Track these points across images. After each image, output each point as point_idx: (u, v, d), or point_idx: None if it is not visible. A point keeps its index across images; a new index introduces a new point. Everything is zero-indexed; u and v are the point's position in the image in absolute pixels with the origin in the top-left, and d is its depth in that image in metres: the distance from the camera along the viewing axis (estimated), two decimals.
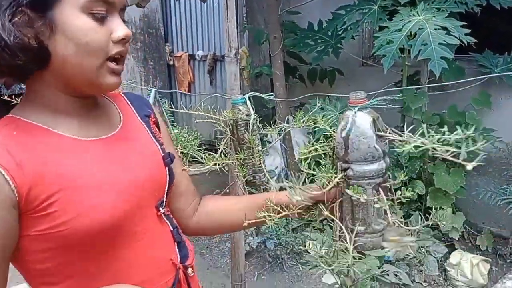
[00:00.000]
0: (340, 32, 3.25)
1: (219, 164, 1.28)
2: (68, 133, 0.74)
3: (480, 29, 2.66)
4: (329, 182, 0.89)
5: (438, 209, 3.06)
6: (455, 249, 3.02)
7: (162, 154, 0.88)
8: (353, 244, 0.90)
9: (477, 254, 2.97)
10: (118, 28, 0.73)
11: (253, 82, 4.33)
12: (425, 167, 3.12)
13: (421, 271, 2.85)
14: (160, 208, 0.85)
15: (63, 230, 0.68)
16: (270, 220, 0.92)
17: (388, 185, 0.92)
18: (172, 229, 0.88)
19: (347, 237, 0.89)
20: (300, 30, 3.62)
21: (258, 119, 1.30)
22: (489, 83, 2.90)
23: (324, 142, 1.03)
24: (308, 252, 2.97)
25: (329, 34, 3.38)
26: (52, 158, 0.70)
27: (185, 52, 5.37)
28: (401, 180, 0.97)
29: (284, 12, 3.80)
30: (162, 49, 5.53)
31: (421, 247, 2.81)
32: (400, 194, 0.96)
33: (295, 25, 3.77)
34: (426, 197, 3.10)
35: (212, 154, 1.27)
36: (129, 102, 0.91)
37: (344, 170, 0.87)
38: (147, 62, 5.49)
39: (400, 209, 0.93)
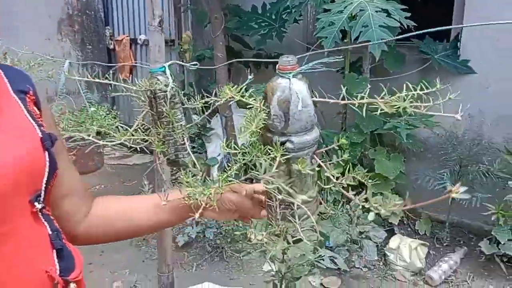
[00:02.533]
0: (284, 15, 3.17)
1: (134, 141, 1.15)
2: None
3: (420, 17, 2.67)
4: (272, 161, 0.80)
5: (379, 194, 3.07)
6: (395, 233, 3.05)
7: (41, 136, 0.70)
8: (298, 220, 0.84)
9: (415, 238, 3.01)
10: None
11: (198, 69, 4.17)
12: (366, 153, 3.12)
13: (361, 256, 2.85)
14: (36, 203, 0.67)
15: None
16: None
17: (321, 150, 0.88)
18: (50, 233, 0.69)
19: (291, 212, 0.84)
20: (244, 13, 3.50)
21: (180, 91, 1.18)
22: (429, 69, 2.93)
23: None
24: (248, 240, 2.89)
25: (273, 17, 3.29)
26: None
27: (127, 36, 5.11)
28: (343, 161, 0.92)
29: None
30: (102, 32, 5.23)
31: (361, 232, 2.81)
32: (338, 158, 0.91)
33: (239, 8, 3.65)
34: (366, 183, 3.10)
35: (127, 129, 1.13)
36: (2, 73, 0.73)
37: (282, 143, 0.79)
38: (85, 45, 5.18)
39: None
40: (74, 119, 1.35)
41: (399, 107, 0.75)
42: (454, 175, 2.81)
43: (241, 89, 0.97)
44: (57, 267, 0.68)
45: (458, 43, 2.99)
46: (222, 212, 0.88)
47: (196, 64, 1.18)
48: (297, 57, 0.83)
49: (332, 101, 0.82)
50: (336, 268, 2.51)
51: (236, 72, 3.91)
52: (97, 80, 1.20)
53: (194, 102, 1.16)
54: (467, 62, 2.91)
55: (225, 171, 0.84)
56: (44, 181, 0.69)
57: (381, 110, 0.77)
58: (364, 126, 3.00)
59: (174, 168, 1.24)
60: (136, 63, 4.98)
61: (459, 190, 0.72)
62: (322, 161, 0.84)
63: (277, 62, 0.82)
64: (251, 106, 0.94)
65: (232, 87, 1.02)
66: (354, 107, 0.84)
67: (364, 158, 3.17)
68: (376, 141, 3.15)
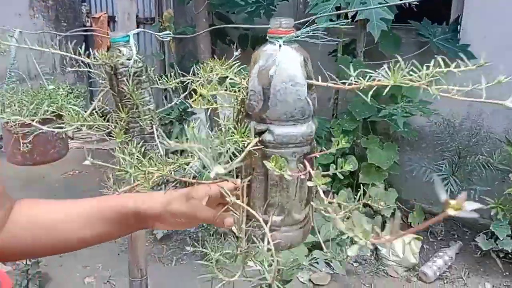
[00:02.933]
0: None
1: (91, 127, 0.93)
2: None
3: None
4: (239, 153, 0.58)
5: (370, 185, 2.90)
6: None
7: None
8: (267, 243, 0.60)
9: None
10: None
11: (178, 47, 3.91)
12: (358, 141, 2.94)
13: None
14: None
15: None
16: None
17: (316, 156, 0.66)
18: None
19: (261, 233, 0.62)
20: None
21: (150, 67, 0.96)
22: (427, 53, 2.75)
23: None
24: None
25: None
26: None
27: (104, 13, 4.80)
28: (331, 153, 0.70)
29: None
30: (78, 8, 4.92)
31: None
32: (336, 168, 0.68)
33: None
34: (358, 173, 2.93)
35: (79, 112, 0.91)
36: None
37: (260, 133, 0.60)
38: (60, 22, 4.86)
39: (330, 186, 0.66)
40: (28, 99, 1.12)
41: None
42: (451, 167, 2.64)
43: (223, 64, 0.76)
44: None
45: (458, 26, 2.81)
46: (173, 224, 0.68)
47: (169, 34, 0.96)
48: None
49: (333, 85, 0.61)
50: (328, 272, 2.35)
51: (221, 53, 3.67)
52: (51, 50, 0.97)
53: (167, 79, 0.94)
54: (467, 46, 2.73)
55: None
56: None
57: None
58: (357, 113, 2.82)
59: None
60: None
61: (463, 204, 0.49)
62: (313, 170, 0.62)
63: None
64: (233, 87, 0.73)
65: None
66: (359, 92, 0.63)
67: (356, 147, 2.99)
68: (369, 129, 2.97)
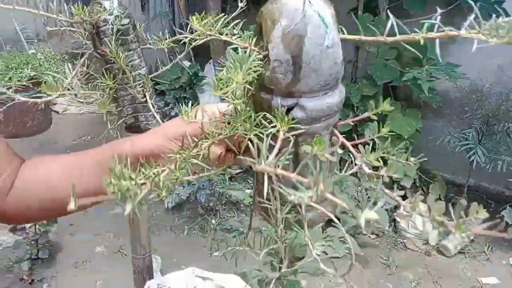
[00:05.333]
0: None
1: (75, 96, 0.81)
2: None
3: None
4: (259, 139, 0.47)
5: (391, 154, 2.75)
6: (406, 198, 2.76)
7: None
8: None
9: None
10: None
11: (188, 7, 3.72)
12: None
13: (368, 221, 2.58)
14: None
15: None
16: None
17: (341, 123, 0.58)
18: None
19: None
20: None
21: (137, 25, 0.82)
22: (456, 12, 2.52)
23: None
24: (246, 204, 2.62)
25: None
26: None
27: None
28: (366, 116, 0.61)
29: None
30: None
31: (369, 197, 2.52)
32: (373, 134, 0.60)
33: None
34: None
35: (59, 79, 0.79)
36: None
37: (289, 110, 0.48)
38: None
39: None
40: (3, 63, 0.99)
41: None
42: (478, 135, 2.46)
43: (218, 20, 0.61)
44: None
45: None
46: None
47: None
48: None
49: (371, 38, 0.47)
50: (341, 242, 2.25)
51: (232, 12, 3.48)
52: (23, 8, 0.83)
53: (159, 37, 0.81)
54: (501, 3, 2.49)
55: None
56: None
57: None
58: (378, 77, 2.64)
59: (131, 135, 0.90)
60: None
61: None
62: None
63: None
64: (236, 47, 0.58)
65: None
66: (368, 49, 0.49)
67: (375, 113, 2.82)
68: (390, 94, 2.79)
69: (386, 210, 2.62)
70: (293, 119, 0.46)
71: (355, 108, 2.83)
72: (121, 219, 2.69)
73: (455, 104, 2.76)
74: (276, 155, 0.49)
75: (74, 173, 0.61)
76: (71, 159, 0.64)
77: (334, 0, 0.54)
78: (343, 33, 0.50)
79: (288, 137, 0.46)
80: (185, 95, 3.25)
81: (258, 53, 0.48)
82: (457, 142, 2.50)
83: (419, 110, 2.75)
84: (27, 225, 2.34)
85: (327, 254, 2.44)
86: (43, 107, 1.20)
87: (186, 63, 2.66)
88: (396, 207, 2.65)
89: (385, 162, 0.58)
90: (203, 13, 0.57)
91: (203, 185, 2.68)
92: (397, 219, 2.62)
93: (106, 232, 2.65)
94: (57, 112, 3.64)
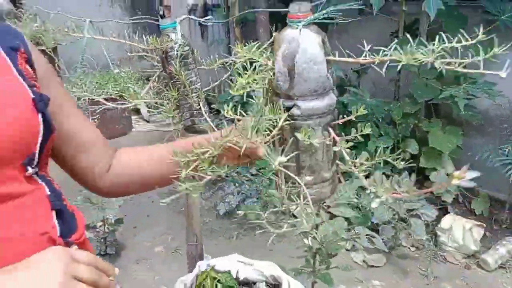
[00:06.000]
0: None
1: (148, 105, 1.07)
2: None
3: None
4: (272, 128, 0.68)
5: (432, 170, 2.85)
6: (448, 212, 2.83)
7: (33, 97, 0.65)
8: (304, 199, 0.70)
9: (471, 218, 2.78)
10: None
11: (242, 31, 4.04)
12: (420, 124, 2.89)
13: (409, 234, 2.68)
14: (29, 167, 0.64)
15: None
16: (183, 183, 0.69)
17: (338, 123, 0.74)
18: (49, 193, 0.67)
19: (298, 191, 0.71)
20: None
21: (195, 50, 1.08)
22: (494, 33, 2.62)
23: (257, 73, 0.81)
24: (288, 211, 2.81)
25: None
26: None
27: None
28: (355, 116, 0.75)
29: None
30: None
31: (410, 210, 2.63)
32: (356, 132, 0.74)
33: None
34: (419, 157, 2.89)
35: (137, 91, 1.06)
36: None
37: (288, 108, 0.68)
38: (135, 11, 5.21)
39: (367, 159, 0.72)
40: (97, 81, 1.29)
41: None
42: None
43: (254, 47, 0.85)
44: (58, 228, 0.66)
45: None
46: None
47: (210, 19, 1.07)
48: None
49: (351, 60, 0.68)
50: (371, 247, 2.37)
51: None
52: (115, 39, 1.12)
53: (211, 60, 1.06)
54: None
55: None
56: (39, 145, 0.65)
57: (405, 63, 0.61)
58: (419, 95, 2.77)
59: (189, 135, 1.16)
60: None
61: (464, 175, 0.58)
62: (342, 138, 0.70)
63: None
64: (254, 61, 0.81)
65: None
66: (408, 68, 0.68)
67: (417, 130, 2.94)
68: (431, 112, 2.90)
69: (426, 224, 2.71)
70: (292, 115, 0.68)
71: (397, 125, 2.97)
72: (178, 225, 2.98)
73: (495, 122, 2.82)
74: (282, 144, 0.70)
75: (155, 160, 0.82)
76: (154, 149, 0.85)
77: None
78: (333, 56, 0.70)
79: (287, 126, 0.67)
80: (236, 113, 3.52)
81: (271, 67, 0.70)
82: (496, 158, 2.57)
83: (460, 127, 2.84)
84: (98, 224, 2.68)
85: (367, 263, 2.57)
86: (127, 114, 1.49)
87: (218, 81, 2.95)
88: (437, 221, 2.73)
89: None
90: (256, 40, 0.79)
91: (250, 194, 2.91)
92: (438, 232, 2.69)
93: (164, 235, 2.94)
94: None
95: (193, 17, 1.08)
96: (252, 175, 3.12)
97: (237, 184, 3.05)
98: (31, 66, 0.70)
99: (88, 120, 0.83)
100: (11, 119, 0.61)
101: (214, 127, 1.10)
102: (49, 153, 0.71)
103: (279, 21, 3.59)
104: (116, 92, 1.09)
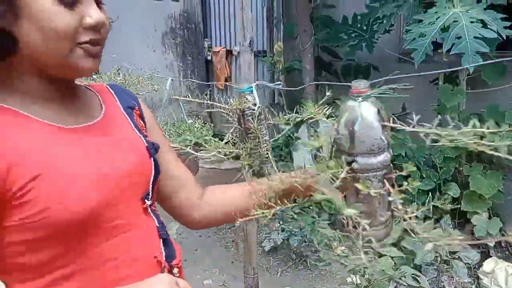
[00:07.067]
0: (374, 26, 3.16)
1: (226, 154, 1.28)
2: (45, 119, 0.71)
3: None
4: (336, 178, 0.86)
5: (473, 213, 2.91)
6: (490, 256, 2.86)
7: (146, 145, 0.83)
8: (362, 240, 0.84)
9: None
10: (90, 14, 0.69)
11: (286, 77, 4.30)
12: (461, 168, 2.98)
13: (451, 277, 2.72)
14: (146, 201, 0.80)
15: (39, 219, 0.66)
16: (264, 215, 0.88)
17: (393, 176, 0.87)
18: (158, 225, 0.82)
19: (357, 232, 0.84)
20: (334, 24, 3.54)
21: (265, 109, 1.28)
22: None
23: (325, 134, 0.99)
24: (329, 248, 2.91)
25: (364, 28, 3.29)
26: (28, 144, 0.67)
27: (223, 47, 5.40)
28: (409, 171, 0.91)
29: (318, 5, 3.73)
30: (201, 44, 5.60)
31: (452, 252, 2.68)
32: (407, 184, 0.90)
33: (329, 19, 3.69)
34: (460, 201, 2.96)
35: (218, 142, 1.27)
36: (113, 93, 0.88)
37: (349, 163, 0.83)
38: (186, 57, 5.57)
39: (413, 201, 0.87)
40: (174, 130, 1.53)
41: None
42: None
43: (322, 105, 1.04)
44: (163, 254, 0.81)
45: None
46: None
47: (280, 84, 1.28)
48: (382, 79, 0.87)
49: (402, 127, 0.85)
50: (416, 286, 2.43)
51: (325, 81, 3.95)
52: (197, 100, 1.35)
53: (279, 117, 1.25)
54: None
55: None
56: (151, 183, 0.82)
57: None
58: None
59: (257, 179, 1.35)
60: (230, 74, 5.26)
61: None
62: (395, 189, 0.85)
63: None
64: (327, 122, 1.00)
65: (317, 102, 1.09)
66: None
67: (458, 174, 3.02)
68: (472, 157, 2.99)
69: (469, 266, 2.75)
70: (352, 168, 0.84)
71: (439, 169, 3.06)
72: (226, 259, 3.15)
73: None
74: (343, 191, 0.87)
75: (236, 198, 0.96)
76: (234, 188, 0.98)
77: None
78: (388, 122, 0.88)
79: (349, 177, 0.84)
80: (281, 153, 3.73)
81: (336, 129, 0.89)
82: None
83: (502, 171, 2.91)
84: None
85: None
86: (196, 158, 1.70)
87: (285, 127, 3.15)
88: (479, 264, 2.77)
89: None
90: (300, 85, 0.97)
91: (295, 232, 3.05)
92: (480, 276, 2.72)
93: (213, 268, 3.11)
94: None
95: (266, 82, 1.29)
96: (296, 213, 3.26)
97: (281, 222, 3.20)
98: (142, 119, 0.90)
99: (180, 161, 0.99)
100: (133, 162, 0.79)
101: (280, 172, 1.29)
102: (157, 191, 0.86)
103: (324, 70, 3.82)
104: (195, 140, 1.29)
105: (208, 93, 1.33)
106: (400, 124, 0.87)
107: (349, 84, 0.86)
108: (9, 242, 0.67)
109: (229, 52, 5.35)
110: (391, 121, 0.89)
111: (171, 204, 0.94)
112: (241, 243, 3.36)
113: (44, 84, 0.72)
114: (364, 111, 0.82)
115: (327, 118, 1.07)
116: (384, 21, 2.87)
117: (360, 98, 0.85)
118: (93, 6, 0.69)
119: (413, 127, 0.84)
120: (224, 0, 5.29)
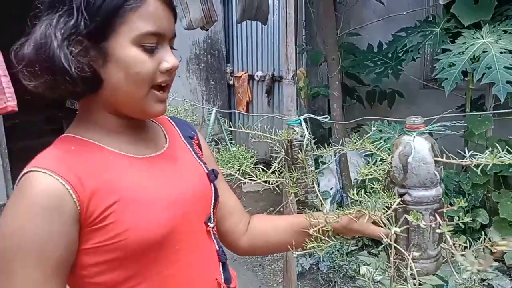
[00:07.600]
0: (400, 54, 3.22)
1: (271, 182, 1.33)
2: (119, 150, 0.78)
3: None
4: (387, 208, 0.88)
5: (502, 240, 2.88)
6: None
7: (206, 172, 0.89)
8: (410, 271, 0.86)
9: None
10: (167, 59, 0.76)
11: (310, 103, 4.36)
12: (489, 195, 2.97)
13: None
14: (209, 223, 0.86)
15: (117, 242, 0.71)
16: (320, 249, 0.92)
17: (444, 210, 0.90)
18: (218, 249, 0.88)
19: (405, 263, 0.86)
20: (359, 52, 3.62)
21: (313, 140, 1.34)
22: None
23: (380, 165, 1.03)
24: (361, 277, 2.91)
25: (389, 56, 3.35)
26: (106, 172, 0.74)
27: (245, 73, 5.51)
28: (460, 207, 0.92)
29: (343, 33, 3.82)
30: (223, 69, 5.73)
31: (483, 280, 2.66)
32: (459, 220, 0.93)
33: (354, 47, 3.78)
34: (489, 227, 2.95)
35: (265, 171, 1.32)
36: (174, 125, 0.95)
37: (401, 195, 0.87)
38: (209, 82, 5.70)
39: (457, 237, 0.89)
40: (221, 158, 1.59)
41: None
42: None
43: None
44: (222, 276, 0.86)
45: None
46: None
47: (327, 118, 1.33)
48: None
49: (454, 161, 0.89)
50: None
51: (349, 108, 4.01)
52: (238, 130, 1.42)
53: (323, 149, 1.31)
54: None
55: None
56: (212, 207, 0.88)
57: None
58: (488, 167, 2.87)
59: (301, 207, 1.39)
60: (252, 99, 5.35)
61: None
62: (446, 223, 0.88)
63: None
64: (378, 155, 1.05)
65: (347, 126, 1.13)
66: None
67: (487, 200, 3.02)
68: (501, 183, 2.99)
69: None
70: (404, 200, 0.88)
71: (467, 195, 3.06)
72: (253, 282, 3.16)
73: None
74: (396, 222, 0.90)
75: (280, 230, 0.99)
76: (279, 220, 1.02)
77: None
78: (439, 157, 0.92)
79: (400, 209, 0.87)
80: None
81: (389, 162, 0.93)
82: None
83: None
84: None
85: None
86: (241, 185, 1.76)
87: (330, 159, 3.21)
88: None
89: None
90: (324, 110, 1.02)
91: (325, 258, 3.06)
92: None
93: None
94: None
95: (313, 115, 1.35)
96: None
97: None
98: (200, 148, 0.97)
99: (231, 190, 1.04)
100: (197, 187, 0.84)
101: (324, 203, 1.33)
102: (216, 215, 0.91)
103: (348, 95, 3.88)
104: (242, 169, 1.35)
105: (241, 122, 1.38)
106: (454, 159, 0.92)
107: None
108: (86, 264, 0.72)
109: (250, 77, 5.46)
110: (444, 157, 0.94)
111: (219, 230, 0.97)
112: (267, 267, 3.38)
113: (118, 119, 0.79)
114: (418, 145, 0.86)
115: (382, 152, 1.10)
116: (412, 51, 2.93)
117: (414, 133, 0.89)
118: (169, 51, 0.77)
119: (466, 160, 0.90)
120: (246, 26, 5.44)
